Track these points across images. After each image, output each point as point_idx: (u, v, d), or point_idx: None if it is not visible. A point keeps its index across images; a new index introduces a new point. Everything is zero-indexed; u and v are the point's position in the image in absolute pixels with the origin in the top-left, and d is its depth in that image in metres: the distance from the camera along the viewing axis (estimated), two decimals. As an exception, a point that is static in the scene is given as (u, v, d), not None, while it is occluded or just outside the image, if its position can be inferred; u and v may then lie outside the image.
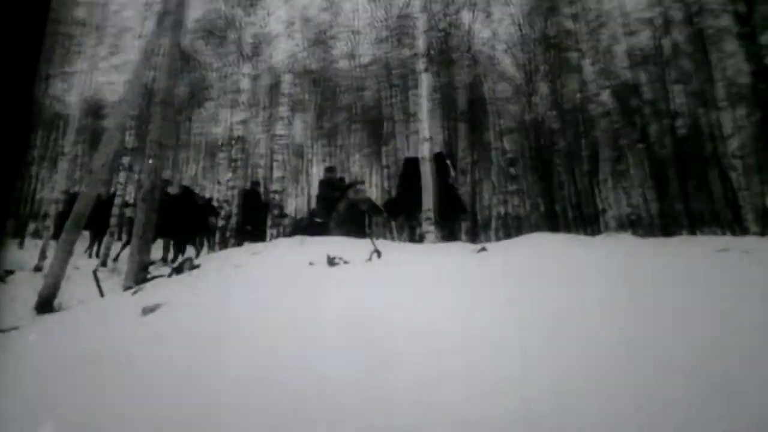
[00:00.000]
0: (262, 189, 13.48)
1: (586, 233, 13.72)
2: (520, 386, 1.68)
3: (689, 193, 13.63)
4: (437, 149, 11.67)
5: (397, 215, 10.82)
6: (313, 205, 15.23)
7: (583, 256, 4.42)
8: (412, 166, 9.87)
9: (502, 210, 13.81)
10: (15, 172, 0.84)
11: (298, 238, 8.65)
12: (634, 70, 15.06)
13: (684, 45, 14.81)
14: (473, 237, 13.30)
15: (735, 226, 12.92)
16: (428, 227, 9.83)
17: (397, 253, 6.02)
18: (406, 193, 9.95)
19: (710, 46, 14.19)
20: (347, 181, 12.51)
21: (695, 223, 13.40)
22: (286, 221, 13.20)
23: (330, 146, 16.28)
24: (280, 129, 12.82)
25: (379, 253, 5.56)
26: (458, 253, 5.69)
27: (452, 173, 10.08)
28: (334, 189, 10.78)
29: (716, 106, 13.51)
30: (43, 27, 0.89)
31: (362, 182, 11.43)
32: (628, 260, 4.04)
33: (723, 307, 2.27)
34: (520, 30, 15.81)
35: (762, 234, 11.74)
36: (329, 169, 11.91)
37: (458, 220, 11.59)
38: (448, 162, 9.99)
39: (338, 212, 10.05)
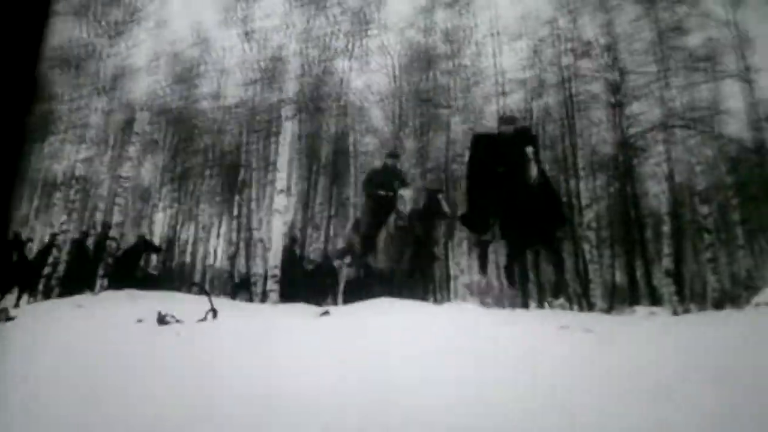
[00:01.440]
0: None
1: (435, 299, 13.50)
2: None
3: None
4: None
5: (481, 229, 7.09)
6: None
7: (421, 326, 4.39)
8: (486, 146, 6.97)
9: (353, 270, 13.43)
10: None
11: (126, 291, 8.46)
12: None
13: (554, 109, 14.92)
14: (319, 297, 12.86)
15: (583, 300, 12.83)
16: (272, 285, 9.49)
17: (236, 313, 6.01)
18: (482, 192, 6.74)
19: (579, 113, 14.30)
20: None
21: (544, 295, 13.28)
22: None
23: (179, 191, 15.67)
24: (126, 170, 12.25)
25: (215, 312, 5.35)
26: (299, 316, 5.72)
27: (534, 168, 6.13)
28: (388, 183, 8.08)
29: (576, 174, 13.53)
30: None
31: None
32: (464, 333, 4.01)
33: (544, 389, 2.31)
34: (395, 82, 15.71)
35: (608, 311, 11.68)
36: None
37: (552, 238, 7.28)
38: (529, 151, 6.15)
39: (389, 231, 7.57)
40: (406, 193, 7.63)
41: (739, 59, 14.33)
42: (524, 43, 15.63)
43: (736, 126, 14.59)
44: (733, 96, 14.67)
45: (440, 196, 8.34)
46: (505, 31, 15.65)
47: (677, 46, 14.43)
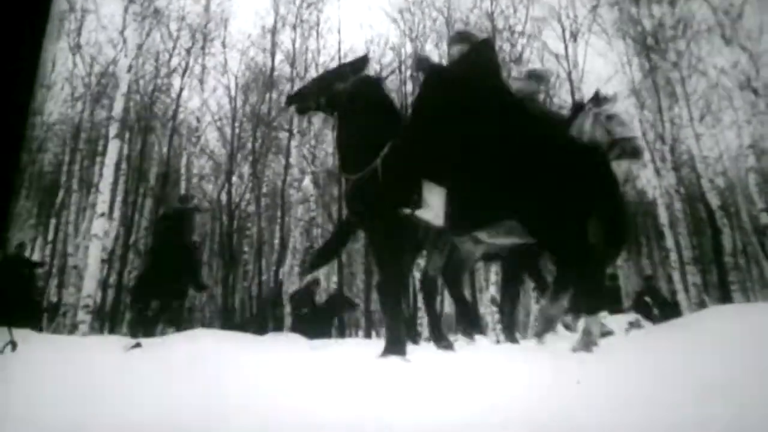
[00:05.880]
0: None
1: (261, 330, 13.30)
2: None
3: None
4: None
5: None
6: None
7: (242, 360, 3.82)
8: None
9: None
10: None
11: None
12: (341, 156, 15.26)
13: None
14: (135, 329, 12.38)
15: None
16: (83, 316, 8.97)
17: (40, 346, 5.58)
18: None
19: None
20: None
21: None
22: None
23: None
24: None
25: (14, 345, 4.66)
26: (107, 351, 5.36)
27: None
28: None
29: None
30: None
31: None
32: (284, 365, 3.51)
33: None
34: (233, 102, 15.58)
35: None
36: None
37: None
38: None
39: None
40: None
41: (572, 93, 15.21)
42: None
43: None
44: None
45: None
46: (351, 55, 15.93)
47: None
